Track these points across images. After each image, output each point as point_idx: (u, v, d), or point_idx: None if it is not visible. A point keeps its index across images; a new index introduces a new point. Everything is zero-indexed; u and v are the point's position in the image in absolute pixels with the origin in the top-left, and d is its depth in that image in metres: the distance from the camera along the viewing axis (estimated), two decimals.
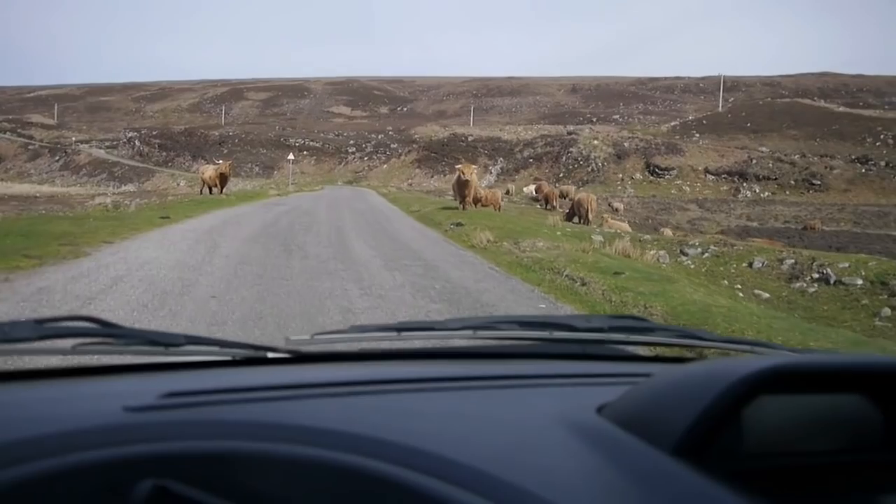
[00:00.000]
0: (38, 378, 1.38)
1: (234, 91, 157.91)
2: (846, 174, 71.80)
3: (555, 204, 36.76)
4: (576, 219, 27.19)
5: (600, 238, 18.74)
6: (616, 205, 46.48)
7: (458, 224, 18.50)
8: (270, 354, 1.61)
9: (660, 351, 2.67)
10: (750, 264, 15.63)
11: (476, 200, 27.70)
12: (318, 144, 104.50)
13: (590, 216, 25.72)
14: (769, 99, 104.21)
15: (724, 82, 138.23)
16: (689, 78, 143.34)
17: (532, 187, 52.50)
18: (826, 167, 72.90)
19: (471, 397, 1.36)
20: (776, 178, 72.59)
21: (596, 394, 1.28)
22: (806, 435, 1.13)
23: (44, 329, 1.35)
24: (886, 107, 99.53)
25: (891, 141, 76.79)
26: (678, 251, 17.51)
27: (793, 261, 15.27)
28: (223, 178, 31.39)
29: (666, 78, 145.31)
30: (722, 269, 15.72)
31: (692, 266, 16.20)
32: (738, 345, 2.06)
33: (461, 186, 22.70)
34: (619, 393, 1.23)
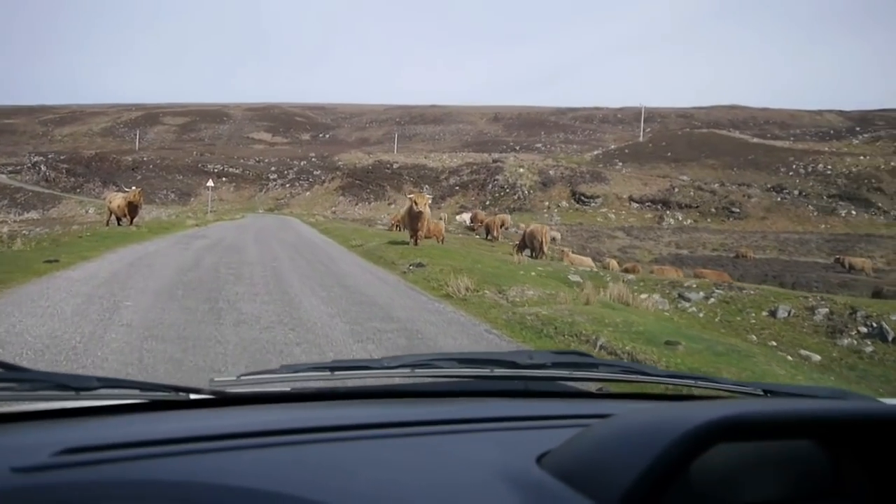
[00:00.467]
0: None
1: (150, 115, 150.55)
2: (763, 202, 71.86)
3: (496, 234, 33.75)
4: (527, 251, 24.32)
5: (578, 278, 15.79)
6: (553, 234, 43.92)
7: (419, 265, 15.12)
8: (193, 396, 1.46)
9: (609, 386, 2.39)
10: (772, 313, 12.90)
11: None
12: (237, 171, 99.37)
13: (544, 248, 22.86)
14: (687, 129, 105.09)
15: (639, 114, 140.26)
16: (607, 108, 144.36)
17: (466, 216, 49.53)
18: (744, 196, 72.85)
19: (403, 446, 1.25)
20: (697, 206, 72.07)
21: (537, 439, 1.21)
22: (757, 482, 1.11)
23: None
24: (792, 139, 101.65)
25: (802, 171, 77.49)
26: (675, 295, 14.70)
27: (826, 310, 12.61)
28: (132, 208, 26.86)
29: (585, 108, 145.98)
30: (739, 319, 12.95)
31: (701, 315, 13.38)
32: (681, 379, 2.05)
33: (413, 219, 19.00)
34: (562, 437, 1.18)
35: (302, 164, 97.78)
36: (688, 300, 14.12)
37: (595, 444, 1.07)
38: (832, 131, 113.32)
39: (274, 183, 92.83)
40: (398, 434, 1.29)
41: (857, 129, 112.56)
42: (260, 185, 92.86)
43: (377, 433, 1.28)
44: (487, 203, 79.76)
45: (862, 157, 78.84)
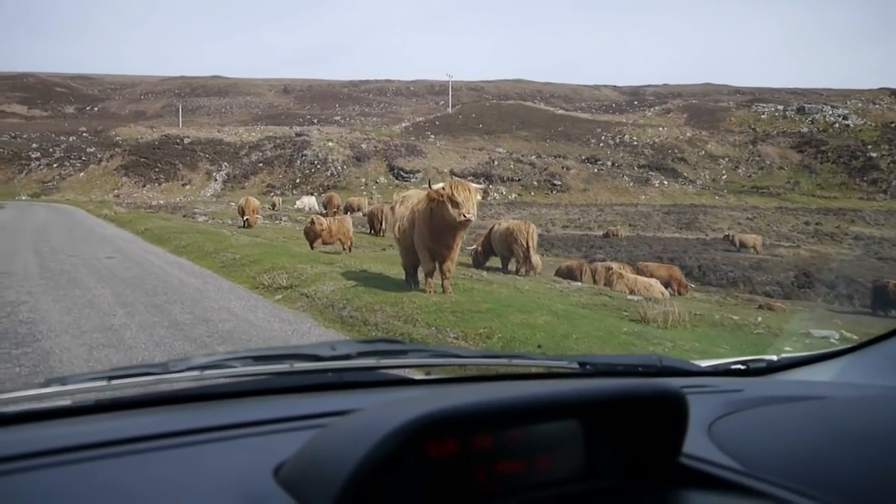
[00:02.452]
0: None
1: None
2: (582, 174, 69.00)
3: (384, 225, 25.18)
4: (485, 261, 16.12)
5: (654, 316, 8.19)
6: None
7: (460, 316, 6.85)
8: None
9: (433, 372, 2.14)
10: None
11: (316, 236, 15.66)
12: None
13: (532, 257, 14.60)
14: (495, 101, 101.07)
15: (433, 87, 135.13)
16: (399, 81, 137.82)
17: (308, 200, 39.52)
18: (563, 168, 69.57)
19: (148, 462, 1.14)
20: (519, 180, 67.69)
21: (290, 444, 1.12)
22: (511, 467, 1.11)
23: None
24: (579, 111, 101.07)
25: (611, 142, 75.87)
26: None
27: None
28: None
29: (377, 80, 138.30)
30: None
31: None
32: (496, 359, 1.99)
33: (444, 232, 8.21)
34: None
35: (71, 139, 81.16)
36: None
37: (317, 449, 1.02)
38: (614, 104, 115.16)
39: (38, 163, 75.69)
40: (154, 448, 1.16)
41: (636, 102, 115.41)
42: (19, 165, 75.33)
43: (129, 449, 1.15)
44: (298, 181, 70.00)
45: (661, 129, 78.76)
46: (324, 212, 34.22)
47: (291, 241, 17.84)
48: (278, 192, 68.05)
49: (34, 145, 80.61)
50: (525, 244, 14.33)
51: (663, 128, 79.16)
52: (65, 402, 1.40)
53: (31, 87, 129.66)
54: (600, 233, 42.65)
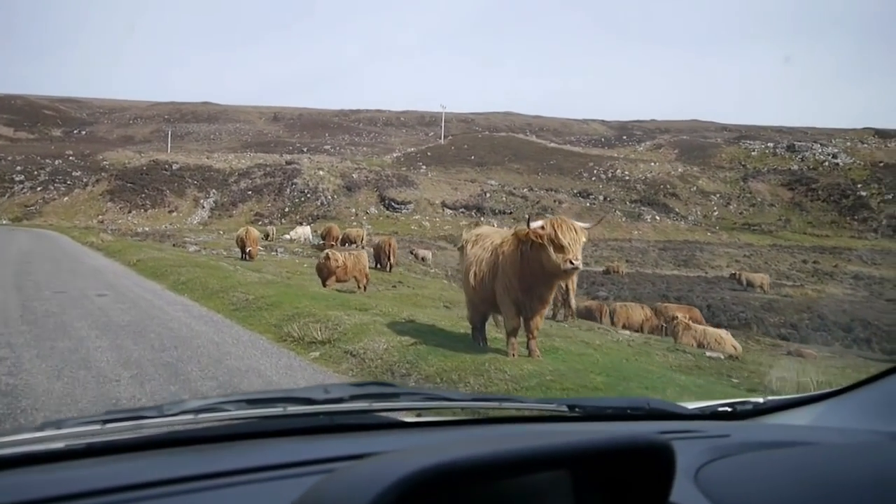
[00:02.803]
0: None
1: None
2: (574, 208, 68.13)
3: (392, 261, 23.85)
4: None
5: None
6: (422, 253, 34.68)
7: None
8: None
9: (424, 415, 2.11)
10: None
11: (330, 273, 14.38)
12: None
13: (571, 301, 13.19)
14: (487, 133, 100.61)
15: (423, 118, 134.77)
16: (389, 111, 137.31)
17: (303, 230, 37.95)
18: (555, 201, 68.80)
19: None
20: (511, 212, 66.71)
21: (296, 490, 1.11)
22: None
23: None
24: (568, 145, 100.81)
25: (603, 176, 75.37)
26: None
27: None
28: None
29: (367, 110, 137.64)
30: None
31: None
32: (487, 402, 2.01)
33: (543, 281, 6.88)
34: None
35: (57, 163, 79.40)
36: None
37: (318, 497, 1.02)
38: (603, 139, 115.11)
39: (21, 186, 73.86)
40: (156, 495, 1.16)
41: (625, 137, 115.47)
42: (2, 188, 73.45)
43: (137, 495, 1.15)
44: (287, 210, 68.72)
45: (652, 164, 78.42)
46: (321, 243, 32.88)
47: (299, 277, 16.56)
48: (267, 221, 66.55)
49: (18, 168, 78.77)
50: (565, 286, 13.07)
51: (654, 163, 78.83)
52: (58, 445, 1.37)
53: (18, 108, 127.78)
54: (598, 269, 41.68)
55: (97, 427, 1.43)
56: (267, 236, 39.44)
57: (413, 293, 15.44)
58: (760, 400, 2.13)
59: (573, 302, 13.50)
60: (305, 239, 36.45)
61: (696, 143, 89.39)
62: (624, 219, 66.67)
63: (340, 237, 33.20)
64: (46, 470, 1.28)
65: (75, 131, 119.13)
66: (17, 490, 1.11)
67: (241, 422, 1.59)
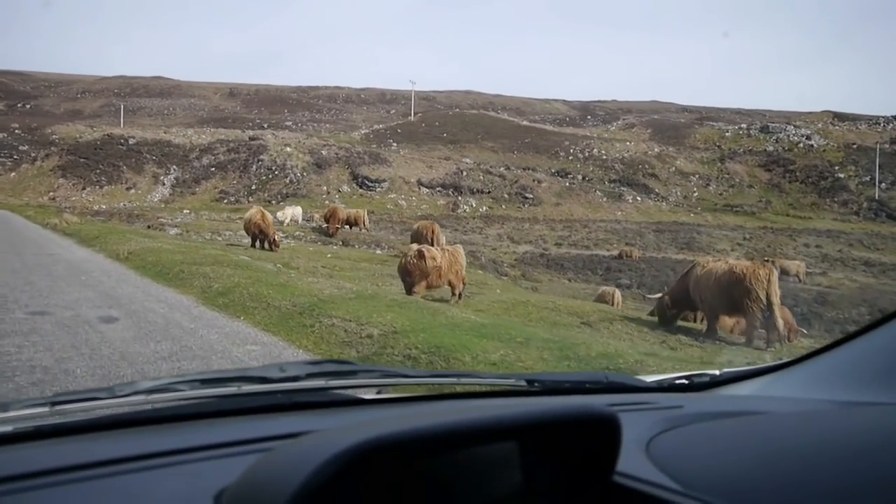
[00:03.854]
0: None
1: None
2: (553, 188, 65.03)
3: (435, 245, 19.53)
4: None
5: None
6: (441, 240, 30.54)
7: None
8: None
9: (382, 391, 2.01)
10: None
11: (422, 276, 10.44)
12: None
13: (777, 319, 9.20)
14: (457, 110, 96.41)
15: (383, 95, 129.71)
16: (349, 88, 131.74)
17: (292, 210, 33.07)
18: (534, 181, 65.43)
19: (87, 491, 1.10)
20: (490, 192, 63.16)
21: (234, 469, 1.09)
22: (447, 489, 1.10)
23: None
24: (548, 123, 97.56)
25: (580, 155, 72.26)
26: None
27: None
28: None
29: (327, 87, 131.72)
30: None
31: None
32: (445, 378, 1.99)
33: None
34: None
35: (1, 136, 72.54)
36: None
37: (257, 475, 1.00)
38: (567, 118, 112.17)
39: None
40: (95, 475, 1.12)
41: (589, 117, 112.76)
42: None
43: (77, 476, 1.11)
44: (254, 188, 63.70)
45: (628, 143, 75.65)
46: (325, 227, 28.68)
47: (355, 275, 12.54)
48: (233, 199, 61.60)
49: None
50: (765, 298, 9.37)
51: (630, 142, 76.04)
52: (5, 428, 1.32)
53: None
54: (604, 252, 38.50)
55: (45, 409, 1.37)
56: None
57: (516, 299, 11.57)
58: (716, 372, 2.10)
59: (779, 320, 9.85)
60: (295, 220, 31.99)
61: (667, 122, 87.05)
62: (605, 199, 63.77)
63: (345, 218, 29.10)
64: None
65: (19, 105, 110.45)
66: None
67: (195, 401, 1.53)
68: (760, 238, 45.84)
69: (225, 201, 60.77)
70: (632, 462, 1.24)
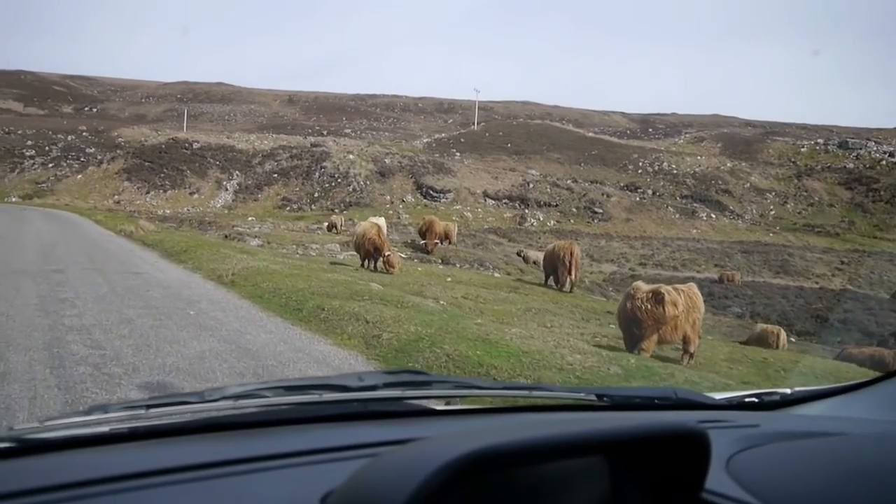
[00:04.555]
0: None
1: None
2: (623, 202, 61.81)
3: (574, 275, 16.75)
4: None
5: None
6: (533, 255, 28.11)
7: None
8: None
9: (454, 403, 2.06)
10: None
11: (657, 324, 7.91)
12: None
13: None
14: (521, 120, 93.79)
15: (441, 104, 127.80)
16: (406, 97, 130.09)
17: (377, 220, 30.34)
18: (603, 194, 62.34)
19: (191, 492, 1.15)
20: (557, 205, 60.30)
21: (337, 473, 1.13)
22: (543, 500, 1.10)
23: None
24: (609, 135, 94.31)
25: (649, 168, 68.94)
26: None
27: None
28: None
29: (384, 95, 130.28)
30: None
31: None
32: (516, 391, 1.98)
33: None
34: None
35: (70, 138, 72.36)
36: None
37: (366, 481, 1.01)
38: (628, 130, 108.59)
39: (32, 161, 66.81)
40: (193, 479, 1.16)
41: (650, 130, 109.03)
42: (12, 163, 66.36)
43: (170, 479, 1.15)
44: (317, 195, 61.92)
45: (699, 158, 72.03)
46: (423, 243, 26.29)
47: (516, 310, 10.04)
48: (296, 207, 59.93)
49: (29, 142, 71.71)
50: None
51: (701, 157, 72.39)
52: (103, 429, 1.39)
53: (27, 84, 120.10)
54: (692, 273, 35.46)
55: (141, 412, 1.44)
56: (333, 227, 32.75)
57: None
58: (788, 391, 2.04)
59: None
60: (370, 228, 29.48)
61: (737, 137, 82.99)
62: (677, 215, 60.36)
63: (441, 233, 26.67)
64: (92, 452, 1.31)
65: (86, 108, 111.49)
66: (65, 472, 1.13)
67: (279, 408, 1.57)
68: (859, 262, 42.10)
69: (287, 208, 59.16)
70: (715, 480, 1.24)
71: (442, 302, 11.60)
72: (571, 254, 18.44)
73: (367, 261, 17.57)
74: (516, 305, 13.94)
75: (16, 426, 1.35)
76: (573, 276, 18.45)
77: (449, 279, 18.40)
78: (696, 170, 68.62)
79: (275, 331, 7.99)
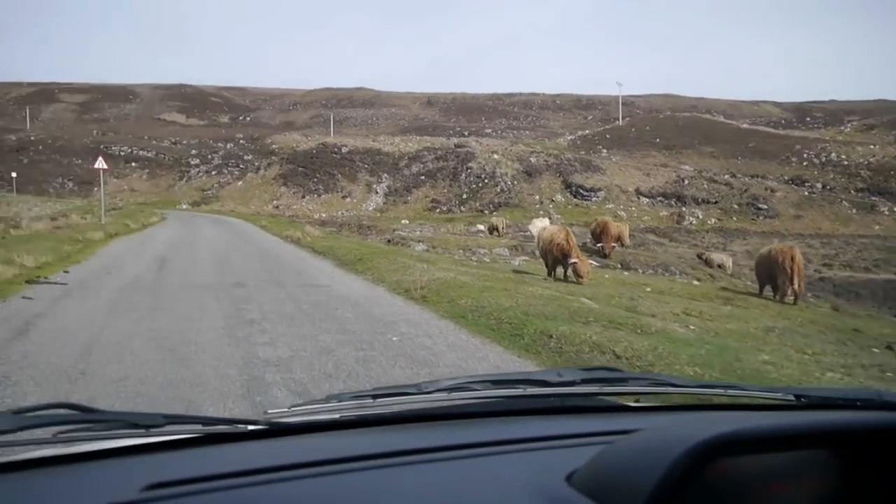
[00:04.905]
0: (18, 470, 1.20)
1: (44, 92, 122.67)
2: (789, 197, 57.09)
3: (798, 284, 15.10)
4: None
5: None
6: (717, 258, 26.08)
7: None
8: (250, 428, 1.47)
9: (647, 400, 2.03)
10: None
11: None
12: (150, 154, 76.54)
13: None
14: (668, 113, 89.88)
15: (579, 101, 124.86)
16: (544, 94, 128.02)
17: (541, 222, 29.08)
18: (766, 189, 57.89)
19: (439, 471, 1.25)
20: (716, 202, 56.54)
21: (567, 458, 1.20)
22: (771, 491, 1.10)
23: (22, 420, 1.25)
24: (763, 126, 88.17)
25: (816, 160, 63.40)
26: None
27: None
28: None
29: (521, 94, 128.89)
30: None
31: None
32: (712, 389, 1.98)
33: None
34: (590, 455, 1.16)
35: (229, 146, 76.19)
36: None
37: (616, 461, 1.05)
38: (783, 120, 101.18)
39: (197, 170, 70.78)
40: (436, 459, 1.28)
41: (807, 119, 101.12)
42: (180, 171, 70.66)
43: (416, 458, 1.27)
44: (464, 196, 61.50)
45: (873, 147, 65.47)
46: (599, 246, 24.85)
47: (775, 340, 8.49)
48: (445, 208, 59.79)
49: (193, 152, 76.30)
50: None
51: (874, 146, 65.80)
52: (334, 416, 1.57)
53: (187, 96, 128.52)
54: (892, 276, 31.55)
55: (369, 401, 1.61)
56: (495, 230, 31.81)
57: None
58: None
59: None
60: (530, 232, 28.26)
61: None
62: (854, 210, 54.99)
63: (617, 235, 25.07)
64: (326, 436, 1.48)
65: (241, 117, 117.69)
66: (305, 452, 1.28)
67: (487, 400, 1.68)
68: None
69: (437, 210, 59.14)
70: None
71: (692, 326, 10.10)
72: (793, 259, 16.36)
73: (554, 269, 16.25)
74: (749, 323, 12.17)
75: (270, 410, 1.61)
76: (797, 286, 16.36)
77: (648, 289, 16.80)
78: (871, 160, 62.35)
79: (501, 365, 6.69)
